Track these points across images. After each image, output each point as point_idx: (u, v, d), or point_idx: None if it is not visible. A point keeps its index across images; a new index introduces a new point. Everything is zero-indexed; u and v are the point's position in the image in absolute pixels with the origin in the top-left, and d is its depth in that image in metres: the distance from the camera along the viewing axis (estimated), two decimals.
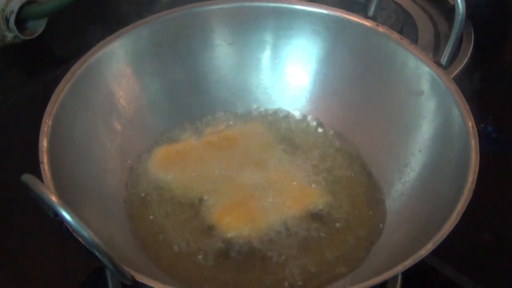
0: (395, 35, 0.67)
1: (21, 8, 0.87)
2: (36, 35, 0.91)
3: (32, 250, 0.67)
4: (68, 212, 0.45)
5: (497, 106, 0.85)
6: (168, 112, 0.71)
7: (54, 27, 0.92)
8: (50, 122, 0.58)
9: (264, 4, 0.70)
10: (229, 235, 0.62)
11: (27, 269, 0.66)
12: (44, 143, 0.56)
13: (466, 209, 0.53)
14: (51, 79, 0.63)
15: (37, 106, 0.60)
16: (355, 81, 0.70)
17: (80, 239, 0.45)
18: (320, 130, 0.72)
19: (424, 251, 0.50)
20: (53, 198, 0.45)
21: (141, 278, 0.48)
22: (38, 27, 0.91)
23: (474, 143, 0.57)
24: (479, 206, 0.55)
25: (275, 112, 0.73)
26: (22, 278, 0.66)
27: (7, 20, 0.86)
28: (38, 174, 0.51)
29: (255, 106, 0.73)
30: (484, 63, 0.89)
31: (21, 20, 0.88)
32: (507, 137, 0.82)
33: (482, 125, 0.80)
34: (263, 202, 0.64)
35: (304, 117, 0.73)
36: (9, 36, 0.88)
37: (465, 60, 0.86)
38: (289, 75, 0.73)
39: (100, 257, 0.46)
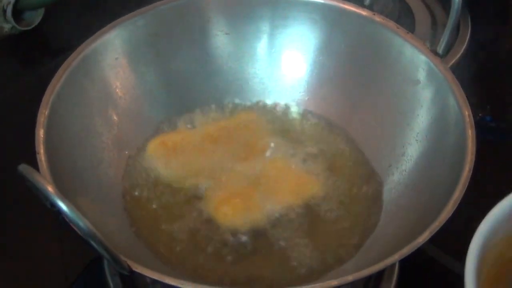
0: (391, 24, 0.67)
1: None
2: (33, 26, 0.91)
3: (29, 240, 0.67)
4: (64, 202, 0.45)
5: (495, 95, 0.85)
6: (165, 102, 0.71)
7: (51, 18, 0.92)
8: (46, 113, 0.57)
9: None
10: (226, 225, 0.62)
11: (23, 260, 0.67)
12: (40, 133, 0.56)
13: (463, 198, 0.53)
14: (48, 69, 0.62)
15: (34, 96, 0.59)
16: (351, 70, 0.70)
17: (76, 229, 0.45)
18: (316, 119, 0.72)
19: (421, 240, 0.50)
20: (50, 188, 0.45)
21: (138, 268, 0.48)
22: (35, 18, 0.91)
23: (470, 132, 0.57)
24: (476, 195, 0.55)
25: (272, 102, 0.73)
26: (18, 268, 0.66)
27: (4, 11, 0.86)
28: (35, 164, 0.51)
29: (251, 96, 0.73)
30: (482, 52, 0.89)
31: (18, 11, 0.88)
32: (506, 127, 0.82)
33: (480, 115, 0.80)
34: (261, 192, 0.65)
35: (301, 106, 0.73)
36: (6, 27, 0.88)
37: (462, 49, 0.86)
38: (285, 64, 0.73)
39: (96, 247, 0.46)
